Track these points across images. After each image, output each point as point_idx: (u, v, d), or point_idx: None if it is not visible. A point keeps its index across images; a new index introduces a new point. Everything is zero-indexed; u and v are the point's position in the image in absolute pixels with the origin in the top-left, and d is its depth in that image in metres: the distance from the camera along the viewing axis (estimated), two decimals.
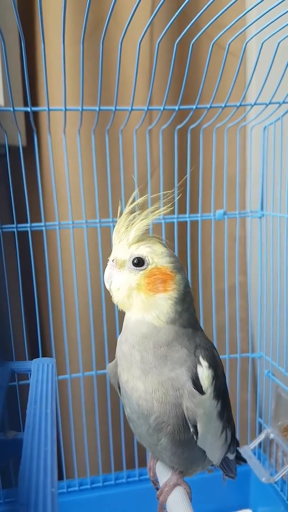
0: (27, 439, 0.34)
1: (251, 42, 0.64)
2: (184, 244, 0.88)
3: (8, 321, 0.77)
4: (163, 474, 0.58)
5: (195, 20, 0.55)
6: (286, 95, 0.75)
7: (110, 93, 0.74)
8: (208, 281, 0.90)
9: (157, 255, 0.50)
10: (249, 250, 1.03)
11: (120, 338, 0.54)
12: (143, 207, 0.52)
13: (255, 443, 0.92)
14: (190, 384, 0.49)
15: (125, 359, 0.52)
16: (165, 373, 0.49)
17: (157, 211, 0.51)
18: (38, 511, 0.26)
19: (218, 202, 0.88)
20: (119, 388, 0.56)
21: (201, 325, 0.57)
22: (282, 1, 0.49)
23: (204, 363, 0.50)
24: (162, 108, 0.75)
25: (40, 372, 0.46)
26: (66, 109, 0.73)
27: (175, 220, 0.85)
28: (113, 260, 0.52)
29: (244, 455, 0.84)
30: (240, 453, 0.77)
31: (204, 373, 0.50)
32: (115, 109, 0.73)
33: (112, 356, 0.57)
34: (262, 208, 0.90)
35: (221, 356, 0.57)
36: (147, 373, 0.50)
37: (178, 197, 0.58)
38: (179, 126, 0.83)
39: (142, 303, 0.50)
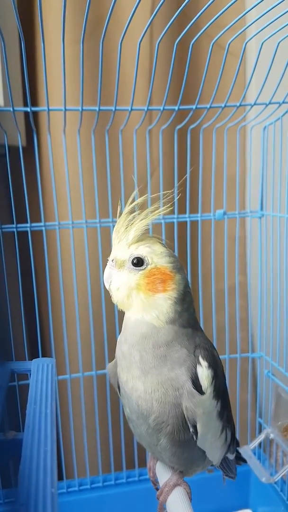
0: (27, 439, 0.34)
1: (251, 42, 0.64)
2: (184, 244, 0.88)
3: (8, 321, 0.77)
4: (163, 474, 0.58)
5: (195, 20, 0.55)
6: (286, 95, 0.75)
7: (110, 93, 0.74)
8: (208, 281, 0.90)
9: (156, 255, 0.50)
10: (249, 250, 1.03)
11: (120, 338, 0.53)
12: (143, 207, 0.52)
13: (255, 443, 0.92)
14: (189, 384, 0.49)
15: (124, 359, 0.52)
16: (164, 373, 0.49)
17: (156, 211, 0.51)
18: (38, 511, 0.26)
19: (218, 202, 0.88)
20: (118, 388, 0.56)
21: (201, 325, 0.57)
22: (282, 1, 0.49)
23: (204, 363, 0.50)
24: (162, 108, 0.75)
25: (40, 372, 0.46)
26: (66, 109, 0.72)
27: (175, 220, 0.85)
28: (112, 260, 0.52)
29: (244, 455, 0.84)
30: (240, 453, 0.77)
31: (204, 373, 0.50)
32: (115, 109, 0.73)
33: (112, 356, 0.57)
34: (262, 208, 0.90)
35: (221, 356, 0.57)
36: (146, 373, 0.50)
37: (178, 197, 0.58)
38: (179, 126, 0.83)
39: (141, 303, 0.50)
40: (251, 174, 0.97)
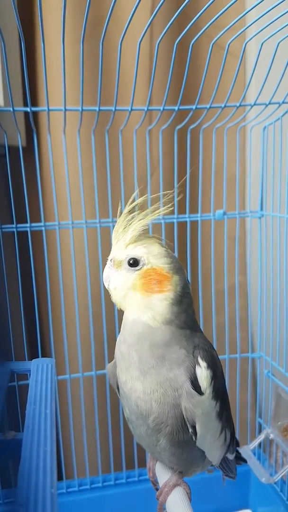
0: (27, 439, 0.33)
1: (251, 43, 0.64)
2: (184, 244, 0.88)
3: (7, 321, 0.77)
4: (163, 474, 0.58)
5: (195, 20, 0.55)
6: (286, 95, 0.75)
7: (110, 93, 0.74)
8: (208, 281, 0.90)
9: (153, 256, 0.50)
10: (249, 250, 1.03)
11: (119, 338, 0.54)
12: (143, 207, 0.52)
13: (255, 443, 0.92)
14: (188, 385, 0.49)
15: (123, 359, 0.52)
16: (163, 373, 0.49)
17: (155, 212, 0.51)
18: (37, 511, 0.26)
19: (217, 202, 0.88)
20: (118, 388, 0.56)
21: (201, 325, 0.57)
22: (282, 1, 0.49)
23: (203, 363, 0.50)
24: (162, 108, 0.75)
25: (39, 373, 0.46)
26: (66, 109, 0.72)
27: (175, 220, 0.85)
28: (111, 260, 0.52)
29: (243, 455, 0.84)
30: (240, 453, 0.77)
31: (203, 373, 0.50)
32: (115, 109, 0.73)
33: (111, 356, 0.57)
34: (261, 208, 0.90)
35: (221, 356, 0.57)
36: (145, 374, 0.50)
37: (178, 198, 0.58)
38: (179, 126, 0.83)
39: (138, 303, 0.50)
40: (251, 174, 0.97)
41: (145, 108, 0.75)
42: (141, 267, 0.50)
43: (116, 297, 0.52)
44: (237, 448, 0.68)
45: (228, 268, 0.92)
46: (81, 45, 0.60)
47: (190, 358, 0.50)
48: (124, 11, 0.79)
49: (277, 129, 0.83)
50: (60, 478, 0.96)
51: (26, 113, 0.82)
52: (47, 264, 0.81)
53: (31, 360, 0.50)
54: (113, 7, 0.51)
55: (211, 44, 0.61)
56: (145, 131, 0.83)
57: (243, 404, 0.98)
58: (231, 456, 0.63)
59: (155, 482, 0.63)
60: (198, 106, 0.75)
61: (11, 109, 0.70)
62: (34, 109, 0.74)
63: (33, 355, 0.91)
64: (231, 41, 0.62)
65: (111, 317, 0.85)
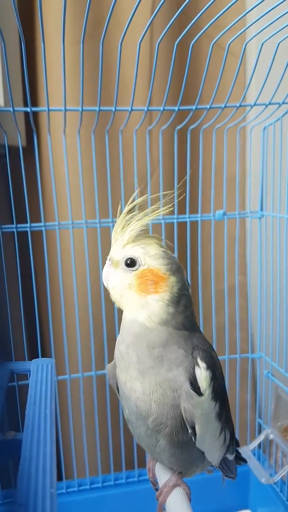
0: (26, 440, 0.33)
1: (251, 43, 0.64)
2: (183, 244, 0.88)
3: (7, 321, 0.77)
4: (163, 475, 0.58)
5: (195, 21, 0.55)
6: (286, 95, 0.75)
7: (110, 94, 0.74)
8: (207, 282, 0.90)
9: (149, 257, 0.50)
10: (249, 250, 1.03)
11: (118, 338, 0.54)
12: (143, 207, 0.52)
13: (255, 443, 0.92)
14: (187, 385, 0.49)
15: (122, 359, 0.52)
16: (162, 374, 0.49)
17: (154, 212, 0.51)
18: (37, 511, 0.26)
19: (217, 203, 0.88)
20: (117, 389, 0.56)
21: (201, 325, 0.57)
22: (282, 2, 0.49)
23: (202, 364, 0.50)
24: (162, 108, 0.75)
25: (39, 373, 0.46)
26: (66, 110, 0.72)
27: (174, 221, 0.85)
28: (109, 259, 0.53)
29: (243, 456, 0.84)
30: (240, 453, 0.77)
31: (202, 374, 0.50)
32: (115, 110, 0.73)
33: (111, 357, 0.57)
34: (261, 209, 0.90)
35: (220, 357, 0.57)
36: (144, 374, 0.50)
37: (178, 198, 0.58)
38: (179, 127, 0.83)
39: (134, 303, 0.50)
40: (251, 175, 0.97)
41: (145, 109, 0.75)
42: (137, 268, 0.50)
43: (114, 296, 0.53)
44: (237, 448, 0.68)
45: (228, 268, 0.92)
46: (81, 45, 0.60)
47: (189, 359, 0.50)
48: (124, 12, 0.79)
49: (277, 129, 0.83)
50: (59, 478, 0.96)
51: (26, 113, 0.82)
52: (47, 264, 0.81)
53: (31, 360, 0.50)
54: (113, 7, 0.51)
55: (211, 45, 0.61)
56: (145, 131, 0.83)
57: (243, 405, 0.98)
58: (231, 457, 0.63)
59: (154, 483, 0.63)
60: (198, 107, 0.75)
61: (11, 109, 0.70)
62: (34, 109, 0.74)
63: (33, 355, 0.91)
64: (231, 42, 0.62)
65: (111, 317, 0.85)
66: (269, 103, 0.77)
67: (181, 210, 0.85)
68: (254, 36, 0.62)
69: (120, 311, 0.54)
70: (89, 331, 0.87)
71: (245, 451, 0.90)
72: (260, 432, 0.95)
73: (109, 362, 0.59)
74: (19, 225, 0.78)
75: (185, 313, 0.51)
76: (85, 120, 0.77)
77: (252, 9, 0.52)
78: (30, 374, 0.47)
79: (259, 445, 0.92)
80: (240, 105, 0.78)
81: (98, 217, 0.83)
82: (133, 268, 0.50)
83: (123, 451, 0.92)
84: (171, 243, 0.85)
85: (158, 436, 0.51)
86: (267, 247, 0.88)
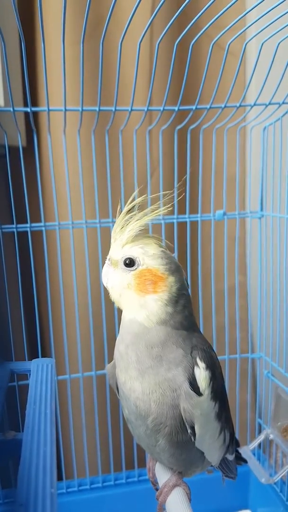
0: (27, 440, 0.33)
1: (251, 43, 0.64)
2: (183, 244, 0.88)
3: (7, 321, 0.77)
4: (163, 474, 0.58)
5: (195, 21, 0.55)
6: (286, 95, 0.75)
7: (110, 94, 0.74)
8: (207, 282, 0.90)
9: (148, 257, 0.50)
10: (249, 250, 1.03)
11: (118, 338, 0.54)
12: (143, 207, 0.52)
13: (255, 443, 0.91)
14: (187, 385, 0.49)
15: (122, 359, 0.52)
16: (161, 374, 0.49)
17: (154, 212, 0.51)
18: (37, 511, 0.26)
19: (217, 203, 0.88)
20: (117, 389, 0.56)
21: (201, 325, 0.57)
22: (282, 2, 0.49)
23: (202, 364, 0.50)
24: (162, 108, 0.75)
25: (39, 373, 0.46)
26: (66, 110, 0.72)
27: (174, 221, 0.85)
28: (109, 259, 0.53)
29: (243, 456, 0.84)
30: (240, 453, 0.77)
31: (202, 374, 0.50)
32: (115, 110, 0.73)
33: (111, 357, 0.58)
34: (261, 209, 0.90)
35: (220, 357, 0.57)
36: (143, 374, 0.50)
37: (178, 198, 0.58)
38: (179, 127, 0.83)
39: (133, 303, 0.50)
40: (251, 175, 0.97)
41: (145, 108, 0.75)
42: (136, 267, 0.50)
43: (113, 296, 0.53)
44: (237, 448, 0.68)
45: (228, 268, 0.92)
46: (81, 45, 0.60)
47: (188, 358, 0.50)
48: (124, 12, 0.79)
49: (277, 129, 0.83)
50: (60, 478, 0.96)
51: (26, 113, 0.83)
52: (47, 264, 0.81)
53: (31, 360, 0.50)
54: (113, 7, 0.51)
55: (211, 44, 0.61)
56: (145, 131, 0.83)
57: (243, 405, 0.98)
58: (230, 457, 0.63)
59: (154, 483, 0.63)
60: (198, 107, 0.75)
61: (11, 109, 0.70)
62: (34, 109, 0.74)
63: (33, 355, 0.91)
64: (231, 41, 0.62)
65: (111, 317, 0.85)
66: (269, 103, 0.77)
67: (181, 210, 0.85)
68: (254, 36, 0.62)
69: (120, 311, 0.54)
70: (89, 331, 0.87)
71: (245, 451, 0.90)
72: (260, 432, 0.95)
73: (109, 362, 0.59)
74: (19, 225, 0.78)
75: (184, 313, 0.51)
76: (85, 120, 0.77)
77: (252, 9, 0.52)
78: (30, 374, 0.47)
79: (259, 445, 0.92)
80: (240, 105, 0.78)
81: (98, 217, 0.83)
82: (132, 268, 0.50)
83: (123, 451, 0.92)
84: (171, 243, 0.85)
85: (158, 436, 0.51)
86: (267, 247, 0.88)
